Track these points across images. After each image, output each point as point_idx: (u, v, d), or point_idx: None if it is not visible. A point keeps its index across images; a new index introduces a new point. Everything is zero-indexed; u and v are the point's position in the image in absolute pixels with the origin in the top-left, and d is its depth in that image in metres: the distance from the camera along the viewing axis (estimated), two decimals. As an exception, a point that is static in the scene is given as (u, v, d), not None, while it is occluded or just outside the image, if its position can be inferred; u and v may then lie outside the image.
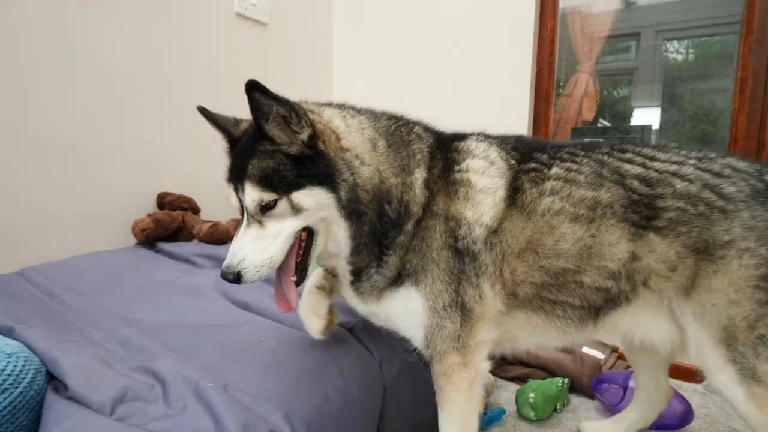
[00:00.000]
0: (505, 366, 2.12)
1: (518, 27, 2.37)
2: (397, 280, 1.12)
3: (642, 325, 1.16)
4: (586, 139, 1.34)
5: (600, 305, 1.13)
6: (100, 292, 1.46)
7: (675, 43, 3.26)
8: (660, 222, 1.06)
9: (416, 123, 1.24)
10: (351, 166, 1.05)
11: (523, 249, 1.11)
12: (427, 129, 1.24)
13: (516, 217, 1.11)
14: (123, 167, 2.09)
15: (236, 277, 1.00)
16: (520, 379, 2.05)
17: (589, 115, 2.68)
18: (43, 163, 1.81)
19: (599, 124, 3.00)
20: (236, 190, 1.06)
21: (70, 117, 1.90)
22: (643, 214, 1.06)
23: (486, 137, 1.23)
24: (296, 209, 1.02)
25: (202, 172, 2.22)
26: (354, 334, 1.32)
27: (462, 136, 1.24)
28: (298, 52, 2.97)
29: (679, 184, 1.07)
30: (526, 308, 1.17)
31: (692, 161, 1.11)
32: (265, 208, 1.02)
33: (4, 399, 0.91)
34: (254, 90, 0.95)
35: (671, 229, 1.05)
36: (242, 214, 1.07)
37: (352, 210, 1.05)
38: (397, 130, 1.17)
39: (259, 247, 1.02)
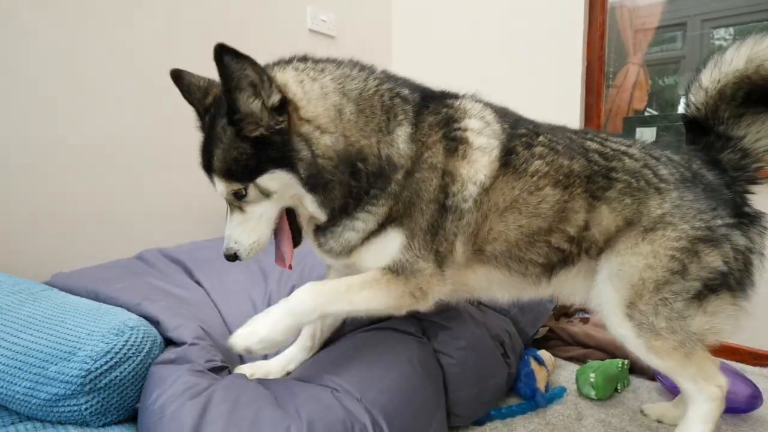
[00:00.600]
0: (564, 346, 2.16)
1: (568, 23, 2.50)
2: (378, 229, 1.12)
3: (573, 284, 1.29)
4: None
5: (555, 264, 1.24)
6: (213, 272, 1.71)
7: (722, 31, 3.32)
8: (612, 193, 1.18)
9: (402, 83, 1.21)
10: (309, 139, 1.03)
11: (507, 207, 1.17)
12: (414, 88, 1.22)
13: (507, 177, 1.17)
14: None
15: (234, 257, 1.08)
16: (579, 359, 2.07)
17: (640, 104, 2.79)
18: (157, 165, 2.08)
19: (647, 113, 3.11)
20: (210, 178, 1.08)
21: (182, 130, 2.17)
22: (599, 184, 1.18)
23: (478, 99, 1.27)
24: (265, 193, 1.05)
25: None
26: (406, 327, 1.43)
27: (454, 95, 1.27)
28: (361, 55, 3.23)
29: (628, 161, 1.21)
30: (488, 264, 1.23)
31: (638, 146, 1.26)
32: (239, 195, 1.05)
33: (129, 366, 1.04)
34: (225, 54, 0.89)
35: (619, 201, 1.18)
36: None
37: (315, 183, 1.05)
38: (375, 94, 1.13)
39: (246, 230, 1.08)
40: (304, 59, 1.16)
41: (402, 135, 1.11)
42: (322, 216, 1.10)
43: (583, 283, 1.27)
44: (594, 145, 1.25)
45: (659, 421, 1.56)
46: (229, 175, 1.02)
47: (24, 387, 0.98)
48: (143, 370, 1.07)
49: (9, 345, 1.03)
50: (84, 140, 1.86)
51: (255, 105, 0.97)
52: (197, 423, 0.93)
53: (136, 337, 1.07)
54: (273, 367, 1.30)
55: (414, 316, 1.43)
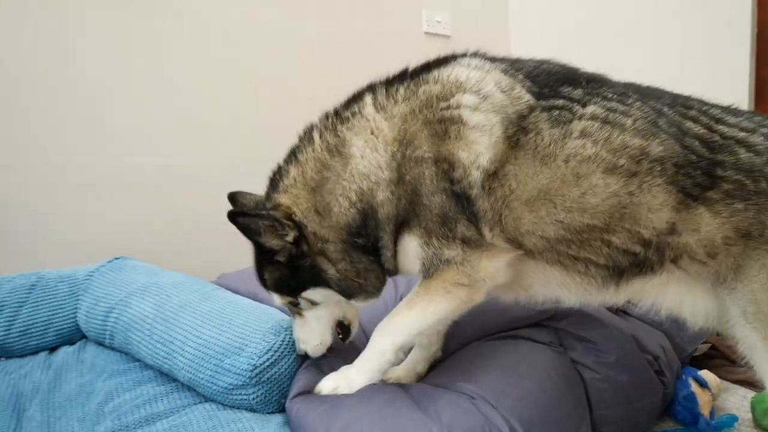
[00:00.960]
0: (731, 366, 1.89)
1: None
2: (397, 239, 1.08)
3: (672, 298, 1.01)
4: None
5: (625, 268, 0.98)
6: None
7: None
8: (716, 194, 0.89)
9: (333, 112, 1.15)
10: (327, 254, 1.08)
11: (534, 198, 0.96)
12: (355, 95, 1.15)
13: (524, 161, 0.95)
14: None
15: (306, 356, 1.18)
16: (751, 384, 1.79)
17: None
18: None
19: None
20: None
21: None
22: (697, 180, 0.90)
23: (485, 61, 1.07)
24: (313, 303, 1.14)
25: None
26: (538, 336, 1.36)
27: (445, 61, 1.09)
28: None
29: (744, 154, 0.90)
30: (538, 259, 1.03)
31: (764, 131, 0.93)
32: (293, 304, 1.16)
33: (285, 363, 1.17)
34: (236, 217, 1.02)
35: (726, 205, 0.89)
36: None
37: (348, 284, 1.09)
38: (320, 160, 1.08)
39: (308, 332, 1.16)
40: (279, 172, 1.15)
41: (358, 154, 1.03)
42: (365, 297, 1.14)
43: (688, 299, 1.01)
44: (697, 129, 0.94)
45: None
46: (279, 290, 1.14)
47: (207, 375, 1.16)
48: (297, 368, 1.20)
49: (194, 338, 1.22)
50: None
51: (276, 243, 1.07)
52: (345, 418, 1.00)
53: (291, 338, 1.20)
54: (402, 372, 1.29)
55: (547, 325, 1.37)
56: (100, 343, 1.56)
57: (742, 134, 0.93)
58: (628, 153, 0.92)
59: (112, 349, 1.53)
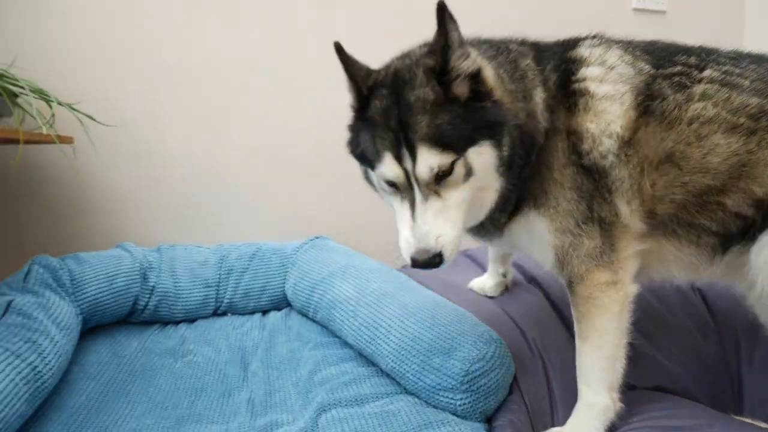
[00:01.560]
0: None
1: None
2: (515, 210, 1.04)
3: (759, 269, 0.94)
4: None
5: (733, 235, 0.99)
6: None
7: None
8: None
9: (507, 40, 1.12)
10: (510, 111, 0.94)
11: (662, 162, 0.99)
12: (522, 42, 1.13)
13: (653, 127, 0.98)
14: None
15: (437, 259, 0.87)
16: None
17: None
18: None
19: None
20: (398, 159, 0.89)
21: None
22: None
23: (604, 41, 1.09)
24: (468, 173, 0.90)
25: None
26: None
27: (572, 43, 1.11)
28: (700, 32, 2.67)
29: None
30: (657, 233, 1.05)
31: None
32: (442, 174, 0.88)
33: (496, 375, 1.11)
34: (446, 11, 0.85)
35: None
36: (398, 189, 0.94)
37: (508, 166, 0.96)
38: (502, 56, 1.04)
39: (449, 221, 0.89)
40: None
41: (540, 102, 1.02)
42: (487, 210, 1.01)
43: None
44: None
45: None
46: (442, 143, 0.87)
47: (413, 368, 1.17)
48: (505, 382, 1.15)
49: (399, 329, 1.25)
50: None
51: (465, 65, 0.91)
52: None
53: (501, 350, 1.15)
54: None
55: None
56: (304, 314, 1.74)
57: None
58: (747, 112, 0.95)
59: (314, 321, 1.68)
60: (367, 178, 1.08)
